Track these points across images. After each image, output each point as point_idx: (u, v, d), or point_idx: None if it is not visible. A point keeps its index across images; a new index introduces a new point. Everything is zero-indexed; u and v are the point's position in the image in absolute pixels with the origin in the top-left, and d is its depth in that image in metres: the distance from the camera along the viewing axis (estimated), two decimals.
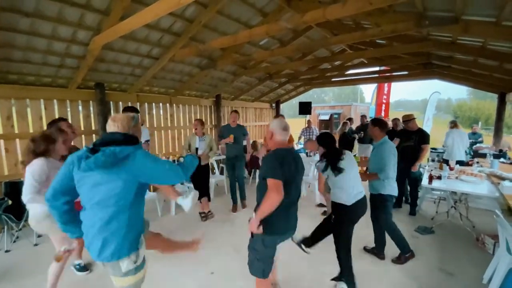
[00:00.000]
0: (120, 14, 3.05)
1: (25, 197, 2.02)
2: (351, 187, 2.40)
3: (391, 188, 2.81)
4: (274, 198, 1.68)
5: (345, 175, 2.37)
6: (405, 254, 2.93)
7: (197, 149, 4.06)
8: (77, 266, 2.81)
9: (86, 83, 4.35)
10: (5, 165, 3.73)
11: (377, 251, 3.05)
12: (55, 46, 3.41)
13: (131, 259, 1.47)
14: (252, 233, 1.86)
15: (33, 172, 2.04)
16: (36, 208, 2.10)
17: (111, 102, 4.80)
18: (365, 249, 3.17)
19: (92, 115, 4.57)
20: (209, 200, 4.35)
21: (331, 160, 2.42)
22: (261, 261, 1.90)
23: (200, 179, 4.12)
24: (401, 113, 6.03)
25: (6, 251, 3.19)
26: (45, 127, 3.94)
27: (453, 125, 5.36)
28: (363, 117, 7.59)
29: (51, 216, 1.84)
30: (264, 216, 1.72)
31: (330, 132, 3.57)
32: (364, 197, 2.47)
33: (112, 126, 1.50)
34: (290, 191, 1.82)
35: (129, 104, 5.11)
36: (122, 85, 4.91)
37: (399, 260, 2.92)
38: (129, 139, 1.48)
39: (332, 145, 2.51)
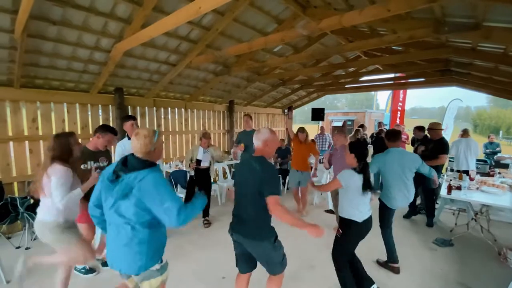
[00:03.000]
0: (141, 22, 3.18)
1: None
2: (365, 204, 2.33)
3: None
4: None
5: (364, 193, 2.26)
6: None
7: (199, 160, 3.96)
8: (83, 270, 2.82)
9: (106, 88, 4.52)
10: (29, 165, 3.89)
11: (391, 261, 2.93)
12: (79, 53, 3.57)
13: (155, 268, 1.53)
14: (275, 239, 1.99)
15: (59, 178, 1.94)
16: (45, 215, 2.02)
17: (129, 107, 4.96)
18: (378, 262, 3.06)
19: (111, 119, 4.73)
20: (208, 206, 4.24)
21: (367, 176, 2.22)
22: (284, 254, 2.06)
23: (202, 186, 4.04)
24: (416, 120, 5.67)
25: (27, 248, 3.32)
26: (67, 130, 4.13)
27: (463, 133, 5.19)
28: (380, 124, 7.45)
29: (59, 228, 1.98)
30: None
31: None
32: (371, 215, 2.37)
33: (135, 143, 1.50)
34: None
35: (146, 109, 5.28)
36: (140, 90, 5.06)
37: None
38: (146, 165, 1.49)
39: (365, 159, 2.29)
